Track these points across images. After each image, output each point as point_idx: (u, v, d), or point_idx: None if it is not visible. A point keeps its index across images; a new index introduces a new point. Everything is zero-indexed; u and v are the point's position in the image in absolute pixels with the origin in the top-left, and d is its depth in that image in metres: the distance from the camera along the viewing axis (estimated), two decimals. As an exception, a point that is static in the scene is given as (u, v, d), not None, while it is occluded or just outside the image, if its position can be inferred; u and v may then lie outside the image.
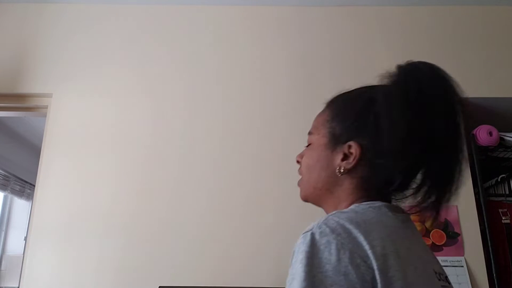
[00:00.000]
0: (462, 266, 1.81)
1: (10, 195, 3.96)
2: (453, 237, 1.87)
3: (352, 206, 0.68)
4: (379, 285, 0.55)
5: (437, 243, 1.85)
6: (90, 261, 1.79)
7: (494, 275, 1.84)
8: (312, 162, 0.77)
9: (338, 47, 2.13)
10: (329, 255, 0.56)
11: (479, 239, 1.86)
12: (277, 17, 2.20)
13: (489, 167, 2.19)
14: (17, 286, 1.82)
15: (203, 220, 1.85)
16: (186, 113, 2.02)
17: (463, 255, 1.83)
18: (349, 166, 0.71)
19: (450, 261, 1.82)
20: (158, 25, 2.19)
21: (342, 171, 0.72)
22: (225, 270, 1.76)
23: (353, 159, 0.71)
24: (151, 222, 1.85)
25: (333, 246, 0.57)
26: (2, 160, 3.52)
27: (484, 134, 2.03)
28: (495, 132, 2.03)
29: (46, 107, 2.08)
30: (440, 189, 0.67)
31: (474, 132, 2.06)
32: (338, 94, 0.81)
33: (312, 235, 0.59)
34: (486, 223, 1.92)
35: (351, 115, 0.74)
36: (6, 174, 3.65)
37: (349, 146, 0.72)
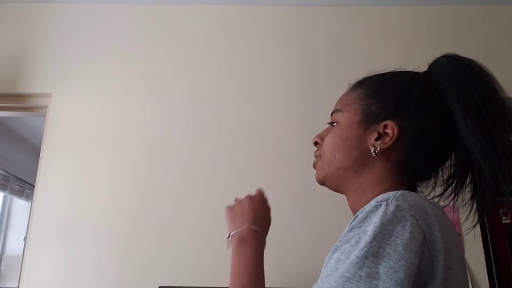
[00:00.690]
0: (463, 266, 1.80)
1: (9, 195, 3.96)
2: (453, 237, 1.86)
3: (406, 192, 0.60)
4: (438, 279, 0.52)
5: (437, 243, 1.85)
6: (90, 261, 1.79)
7: (495, 275, 1.84)
8: (341, 141, 0.70)
9: (338, 47, 2.12)
10: (402, 230, 0.52)
11: (479, 239, 1.86)
12: (277, 17, 2.20)
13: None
14: (17, 286, 1.81)
15: (203, 220, 1.85)
16: (186, 113, 2.02)
17: (463, 255, 1.83)
18: (385, 146, 0.67)
19: (450, 261, 1.81)
20: (158, 25, 2.18)
21: (378, 151, 0.67)
22: (225, 270, 1.75)
23: (390, 139, 0.66)
24: (151, 222, 1.85)
25: (408, 223, 0.53)
26: (2, 160, 3.51)
27: (484, 134, 2.03)
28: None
29: (45, 107, 2.07)
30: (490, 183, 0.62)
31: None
32: (369, 75, 0.77)
33: (387, 206, 0.55)
34: (486, 223, 1.92)
35: (391, 92, 0.70)
36: (5, 174, 3.65)
37: (385, 126, 0.67)
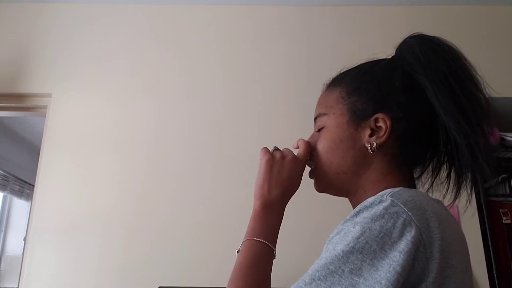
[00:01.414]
0: (463, 266, 1.80)
1: (9, 195, 3.96)
2: (453, 237, 1.86)
3: (404, 189, 0.58)
4: (431, 278, 0.51)
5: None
6: (90, 261, 1.78)
7: (495, 275, 1.84)
8: (334, 145, 0.68)
9: (339, 47, 2.12)
10: (392, 227, 0.51)
11: (479, 239, 1.86)
12: (279, 17, 2.20)
13: (489, 167, 2.18)
14: (17, 286, 1.81)
15: (203, 221, 1.85)
16: (186, 113, 2.02)
17: (463, 255, 1.83)
18: (381, 141, 0.65)
19: (450, 261, 1.81)
20: (158, 25, 2.18)
21: (374, 147, 0.65)
22: (225, 271, 1.75)
23: (384, 133, 0.65)
24: (150, 222, 1.85)
25: (401, 219, 0.51)
26: (2, 160, 3.51)
27: (484, 134, 2.03)
28: (495, 132, 2.03)
29: (45, 107, 2.07)
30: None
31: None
32: (343, 71, 0.75)
33: (381, 201, 0.54)
34: (486, 223, 1.92)
35: (373, 85, 0.68)
36: (5, 174, 3.64)
37: (376, 120, 0.66)
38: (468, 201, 0.65)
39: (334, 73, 0.78)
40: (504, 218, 2.04)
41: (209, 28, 2.18)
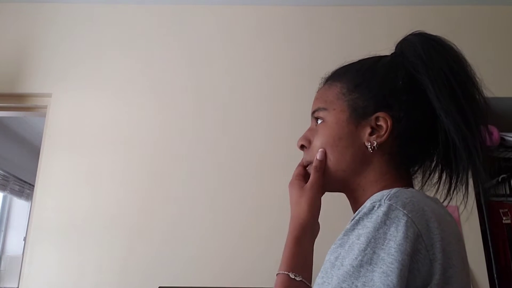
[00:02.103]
0: (463, 266, 1.80)
1: (9, 195, 3.96)
2: (453, 237, 1.86)
3: (402, 190, 0.58)
4: (435, 280, 0.51)
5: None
6: (90, 261, 1.78)
7: (495, 275, 1.84)
8: (333, 141, 0.67)
9: (343, 46, 2.12)
10: (395, 231, 0.51)
11: (479, 239, 1.86)
12: (283, 17, 2.20)
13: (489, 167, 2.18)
14: (17, 286, 1.81)
15: (204, 221, 1.84)
16: (188, 113, 2.02)
17: (463, 255, 1.83)
18: (381, 140, 0.64)
19: (450, 261, 1.81)
20: (159, 25, 2.18)
21: (374, 146, 0.64)
22: (225, 271, 1.76)
23: (385, 132, 0.64)
24: (151, 222, 1.84)
25: (402, 223, 0.51)
26: (2, 160, 3.51)
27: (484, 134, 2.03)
28: (495, 132, 2.03)
29: (45, 107, 2.07)
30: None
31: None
32: (343, 66, 0.74)
33: (380, 207, 0.53)
34: (486, 223, 1.92)
35: (375, 83, 0.67)
36: (5, 174, 3.64)
37: (377, 118, 0.65)
38: (464, 203, 0.65)
39: (335, 70, 0.77)
40: (504, 218, 2.04)
41: (212, 28, 2.18)
